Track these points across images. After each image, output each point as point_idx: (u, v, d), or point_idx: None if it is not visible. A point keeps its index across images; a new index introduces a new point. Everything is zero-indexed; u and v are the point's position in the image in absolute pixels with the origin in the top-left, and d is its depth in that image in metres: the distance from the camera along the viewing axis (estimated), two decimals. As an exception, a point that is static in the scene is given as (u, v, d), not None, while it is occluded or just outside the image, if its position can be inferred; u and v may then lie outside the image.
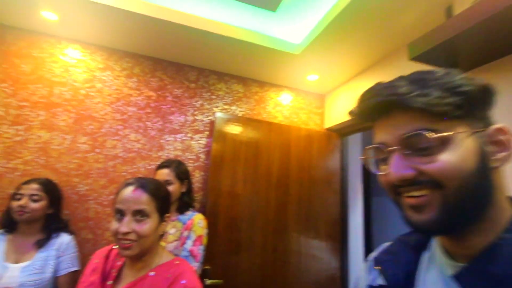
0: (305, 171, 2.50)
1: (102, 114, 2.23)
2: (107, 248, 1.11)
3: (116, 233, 0.96)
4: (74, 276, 1.61)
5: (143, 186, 1.03)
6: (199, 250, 1.65)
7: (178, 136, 2.41)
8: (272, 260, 2.27)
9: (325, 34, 1.89)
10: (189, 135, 2.44)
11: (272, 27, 2.14)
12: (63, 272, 1.59)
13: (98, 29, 2.08)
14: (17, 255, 1.52)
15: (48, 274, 1.53)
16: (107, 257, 1.07)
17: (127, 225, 0.95)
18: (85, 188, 2.08)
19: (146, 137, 2.32)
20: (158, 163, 2.26)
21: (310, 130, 2.61)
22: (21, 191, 1.56)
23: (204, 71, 2.58)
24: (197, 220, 1.73)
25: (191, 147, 2.43)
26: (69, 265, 1.62)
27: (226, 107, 2.60)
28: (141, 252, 0.98)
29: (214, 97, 2.58)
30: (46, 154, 2.04)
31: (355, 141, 2.84)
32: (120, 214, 0.99)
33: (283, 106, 2.75)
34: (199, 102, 2.52)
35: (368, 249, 2.66)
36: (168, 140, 2.37)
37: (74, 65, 2.22)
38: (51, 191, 1.66)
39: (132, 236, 0.95)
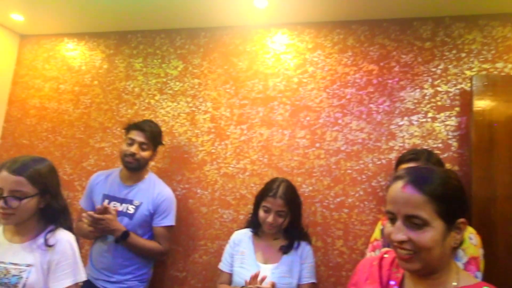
0: None
1: (317, 102, 2.03)
2: (377, 257, 1.02)
3: (390, 239, 0.84)
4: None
5: (417, 182, 0.80)
6: (477, 278, 1.19)
7: (414, 118, 1.89)
8: None
9: None
10: (429, 115, 1.88)
11: None
12: (304, 281, 1.58)
13: (305, 3, 1.89)
14: (264, 255, 1.60)
15: (294, 280, 1.56)
16: (380, 266, 0.98)
17: (400, 231, 0.81)
18: (309, 188, 1.96)
19: (371, 124, 1.94)
20: (394, 155, 1.84)
21: None
22: (268, 205, 1.58)
23: (443, 20, 1.92)
24: (467, 235, 1.33)
25: (434, 131, 1.86)
26: (309, 275, 1.60)
27: (486, 66, 1.84)
28: (425, 268, 0.82)
29: (463, 54, 1.88)
30: (269, 152, 2.04)
31: None
32: (391, 216, 0.84)
33: None
34: (440, 67, 1.90)
35: None
36: (400, 125, 1.91)
37: (284, 51, 2.12)
38: (292, 203, 1.62)
39: (408, 246, 0.80)
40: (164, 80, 2.27)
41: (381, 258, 1.01)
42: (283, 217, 1.57)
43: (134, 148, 1.77)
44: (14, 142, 2.47)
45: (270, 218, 1.55)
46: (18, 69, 2.58)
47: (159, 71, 2.29)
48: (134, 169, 1.82)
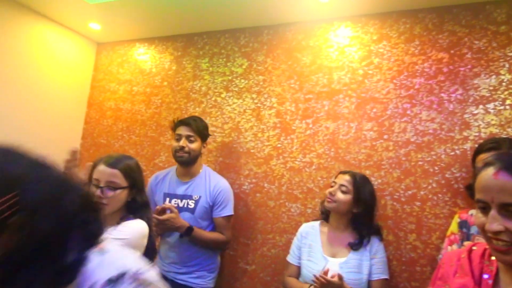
0: None
1: (384, 93, 2.04)
2: (465, 249, 0.99)
3: (483, 230, 0.81)
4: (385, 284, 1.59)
5: (510, 167, 0.78)
6: None
7: (490, 106, 1.84)
8: None
9: None
10: (507, 102, 1.81)
11: None
12: (375, 277, 1.58)
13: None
14: (332, 249, 1.63)
15: (364, 275, 1.56)
16: (469, 259, 0.95)
17: (496, 221, 0.78)
18: (378, 181, 1.97)
19: (442, 114, 1.92)
20: (469, 145, 1.80)
21: None
22: (335, 180, 1.67)
23: (521, 2, 1.85)
24: None
25: (513, 119, 1.79)
26: (380, 270, 1.59)
27: None
28: None
29: (546, 37, 1.79)
30: (335, 145, 2.09)
31: None
32: (483, 205, 0.81)
33: None
34: (519, 51, 1.83)
35: None
36: (475, 114, 1.86)
37: (348, 44, 2.15)
38: (360, 188, 1.64)
39: (505, 236, 0.77)
40: (230, 78, 2.40)
41: (470, 251, 0.97)
42: (345, 193, 1.60)
43: (182, 142, 1.90)
44: (93, 141, 2.75)
45: (332, 189, 1.62)
46: (95, 74, 2.86)
47: (225, 69, 2.43)
48: (187, 162, 1.93)
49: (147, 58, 2.69)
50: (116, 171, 1.34)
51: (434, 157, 1.90)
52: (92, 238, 0.63)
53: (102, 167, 1.34)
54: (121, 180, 1.34)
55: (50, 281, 0.56)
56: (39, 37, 2.50)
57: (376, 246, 1.62)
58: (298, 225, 1.89)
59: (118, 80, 2.76)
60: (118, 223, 1.35)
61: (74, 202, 0.59)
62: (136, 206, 1.38)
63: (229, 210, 1.95)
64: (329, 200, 1.62)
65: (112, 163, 1.35)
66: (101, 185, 1.31)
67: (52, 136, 2.58)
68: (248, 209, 2.19)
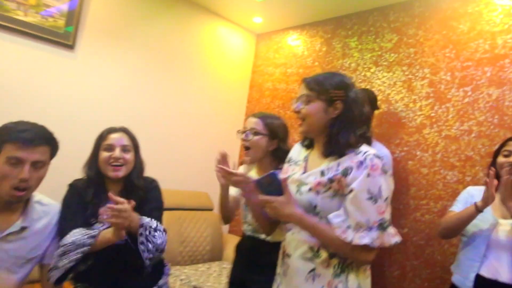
0: None
1: (562, 53, 1.91)
2: None
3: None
4: None
5: None
6: None
7: None
8: None
9: None
10: None
11: None
12: None
13: None
14: (503, 210, 1.58)
15: None
16: None
17: None
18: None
19: None
20: None
21: None
22: (509, 148, 1.60)
23: None
24: None
25: None
26: None
27: None
28: None
29: None
30: (499, 113, 2.05)
31: None
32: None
33: None
34: None
35: None
36: None
37: (515, 5, 2.07)
38: None
39: None
40: (379, 53, 2.58)
41: None
42: None
43: None
44: (254, 118, 3.31)
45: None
46: (255, 60, 3.43)
47: (374, 46, 2.61)
48: None
49: (299, 43, 3.08)
50: (257, 120, 1.65)
51: None
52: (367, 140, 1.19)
53: (250, 118, 1.70)
54: (261, 128, 1.62)
55: (356, 141, 1.14)
56: (210, 31, 3.13)
57: None
58: (456, 192, 1.97)
59: (274, 64, 3.24)
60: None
61: (367, 112, 1.16)
62: (283, 155, 1.51)
63: None
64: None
65: (257, 114, 1.70)
66: (246, 130, 1.64)
67: (222, 114, 3.23)
68: (399, 176, 2.34)
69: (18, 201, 1.29)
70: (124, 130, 1.69)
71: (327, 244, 1.15)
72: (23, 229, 1.31)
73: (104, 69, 2.56)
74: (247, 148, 1.64)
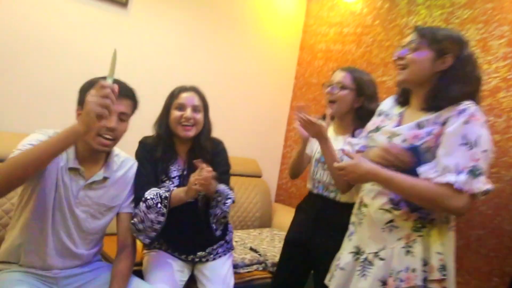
0: None
1: None
2: None
3: None
4: None
5: None
6: None
7: None
8: None
9: None
10: None
11: None
12: None
13: None
14: None
15: None
16: None
17: None
18: None
19: None
20: None
21: None
22: None
23: None
24: None
25: None
26: None
27: None
28: None
29: None
30: None
31: None
32: None
33: None
34: None
35: None
36: None
37: None
38: None
39: None
40: (450, 10, 2.38)
41: None
42: None
43: None
44: (304, 81, 3.20)
45: None
46: (306, 20, 3.25)
47: (444, 1, 2.41)
48: None
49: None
50: (346, 73, 1.60)
51: None
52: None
53: (337, 71, 1.65)
54: (349, 83, 1.58)
55: (463, 97, 1.14)
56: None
57: None
58: (532, 160, 1.87)
59: (328, 23, 3.07)
60: (353, 135, 1.60)
61: (479, 75, 1.20)
62: (365, 114, 1.53)
63: None
64: None
65: (346, 68, 1.64)
66: (332, 84, 1.61)
67: (271, 77, 3.14)
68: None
69: (104, 150, 1.33)
70: (195, 90, 1.68)
71: (408, 193, 1.12)
72: (105, 179, 1.37)
73: (156, 27, 2.50)
74: (332, 102, 1.59)
